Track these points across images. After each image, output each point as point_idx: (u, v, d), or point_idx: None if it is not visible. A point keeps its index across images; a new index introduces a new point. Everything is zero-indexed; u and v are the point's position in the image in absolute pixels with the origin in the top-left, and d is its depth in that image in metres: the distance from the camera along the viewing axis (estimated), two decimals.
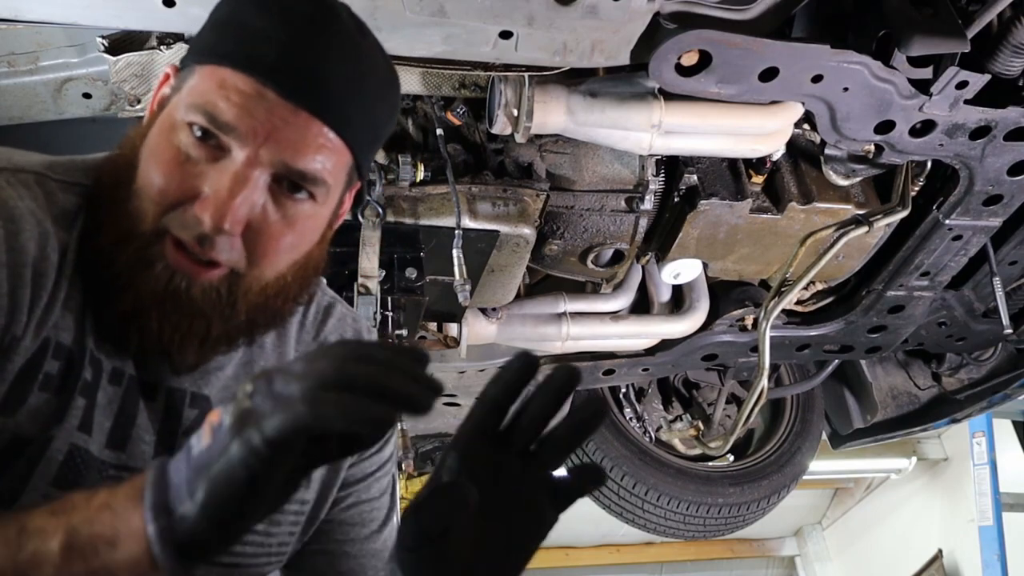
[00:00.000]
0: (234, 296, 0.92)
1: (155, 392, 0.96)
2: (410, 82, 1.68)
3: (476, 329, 2.23)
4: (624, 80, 1.75)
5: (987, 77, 1.67)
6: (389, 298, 1.85)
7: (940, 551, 6.30)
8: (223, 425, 0.69)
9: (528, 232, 1.92)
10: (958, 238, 2.13)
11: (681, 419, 3.20)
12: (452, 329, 2.24)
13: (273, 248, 0.91)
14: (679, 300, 2.43)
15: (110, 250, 0.89)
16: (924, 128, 1.77)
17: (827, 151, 2.02)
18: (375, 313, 1.79)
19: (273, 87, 0.86)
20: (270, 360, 1.06)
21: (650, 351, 2.52)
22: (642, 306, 2.45)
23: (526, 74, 1.64)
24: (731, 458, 3.37)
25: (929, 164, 2.07)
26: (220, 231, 0.85)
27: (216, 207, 0.85)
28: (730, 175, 2.05)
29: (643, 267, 2.37)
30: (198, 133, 0.87)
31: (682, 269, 2.23)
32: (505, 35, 1.44)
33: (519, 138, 1.76)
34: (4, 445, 0.84)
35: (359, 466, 1.15)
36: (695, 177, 2.00)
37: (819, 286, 2.45)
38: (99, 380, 0.91)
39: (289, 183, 0.89)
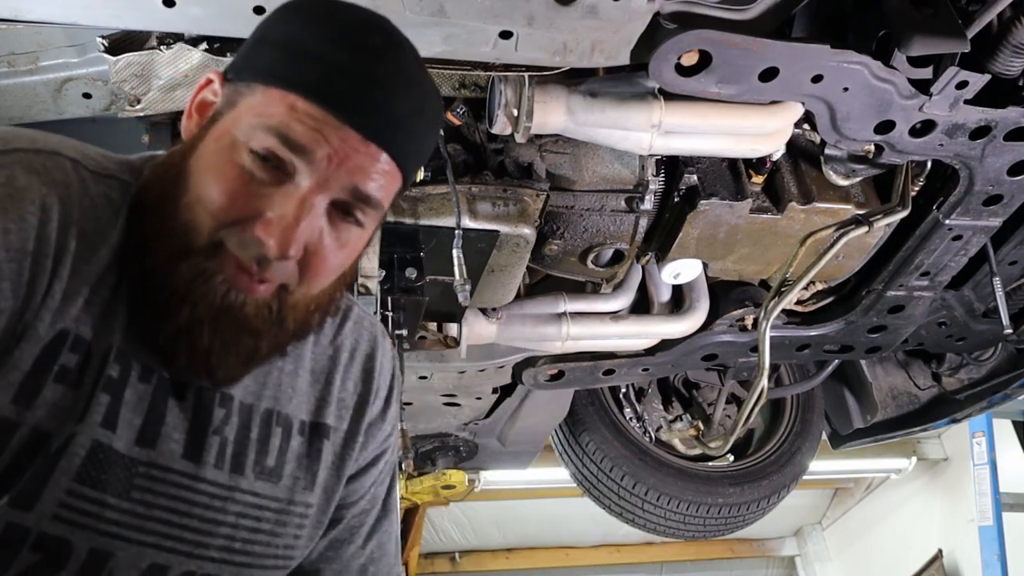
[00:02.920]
0: (283, 313, 0.94)
1: (185, 391, 0.97)
2: None
3: (476, 329, 2.23)
4: (624, 80, 1.75)
5: (987, 77, 1.67)
6: (389, 298, 1.85)
7: (940, 551, 6.30)
8: None
9: (528, 232, 1.92)
10: (958, 238, 2.13)
11: (681, 419, 3.20)
12: (452, 329, 2.24)
13: (324, 269, 0.93)
14: (679, 300, 2.42)
15: (163, 267, 0.90)
16: (924, 128, 1.77)
17: (827, 151, 2.02)
18: (375, 313, 1.79)
19: (348, 120, 0.88)
20: (288, 361, 1.06)
21: (650, 351, 2.52)
22: (642, 306, 2.44)
23: (526, 74, 1.64)
24: (731, 458, 3.37)
25: (929, 164, 2.06)
26: (285, 257, 0.87)
27: (282, 232, 0.86)
28: (730, 175, 2.05)
29: (643, 267, 2.37)
30: (262, 154, 0.87)
31: (682, 269, 2.23)
32: (505, 35, 1.44)
33: (519, 138, 1.76)
34: (24, 440, 0.84)
35: (358, 480, 1.15)
36: (695, 177, 2.00)
37: (819, 286, 2.45)
38: (128, 377, 0.91)
39: (343, 207, 0.91)
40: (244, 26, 1.33)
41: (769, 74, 1.58)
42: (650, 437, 3.21)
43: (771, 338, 2.23)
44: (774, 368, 3.09)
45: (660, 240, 2.15)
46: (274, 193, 0.87)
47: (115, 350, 0.90)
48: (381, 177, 0.91)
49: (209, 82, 0.96)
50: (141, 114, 1.66)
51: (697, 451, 3.25)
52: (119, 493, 0.90)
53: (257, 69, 0.91)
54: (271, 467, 1.02)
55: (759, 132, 1.79)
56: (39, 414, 0.85)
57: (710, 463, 3.29)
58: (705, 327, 2.42)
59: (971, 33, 1.56)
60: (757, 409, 2.38)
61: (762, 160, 2.03)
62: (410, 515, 5.31)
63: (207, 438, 0.97)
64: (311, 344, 1.09)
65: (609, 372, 2.56)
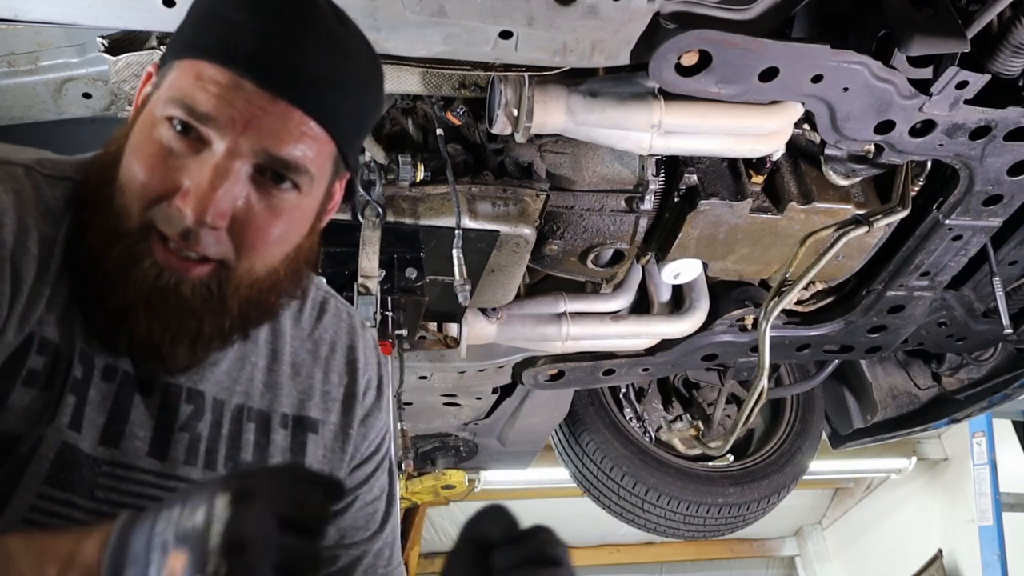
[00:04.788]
0: (224, 291, 0.92)
1: (151, 388, 0.96)
2: (410, 82, 1.68)
3: (476, 329, 2.23)
4: (624, 80, 1.75)
5: (987, 77, 1.67)
6: (389, 298, 1.85)
7: (940, 551, 6.30)
8: None
9: (528, 232, 1.92)
10: (958, 238, 2.13)
11: (681, 419, 3.20)
12: (452, 329, 2.24)
13: (261, 239, 0.91)
14: (679, 300, 2.42)
15: (98, 249, 0.89)
16: (924, 128, 1.77)
17: (827, 151, 2.02)
18: (375, 313, 1.79)
19: (250, 78, 0.85)
20: (263, 356, 1.06)
21: (650, 351, 2.52)
22: (642, 306, 2.44)
23: (526, 74, 1.64)
24: (731, 458, 3.37)
25: (929, 164, 2.06)
26: (203, 224, 0.85)
27: (198, 200, 0.85)
28: (730, 175, 2.05)
29: (643, 267, 2.37)
30: (178, 127, 0.86)
31: (682, 269, 2.23)
32: (505, 35, 1.44)
33: (519, 138, 1.76)
34: None
35: (361, 469, 1.15)
36: (695, 177, 2.00)
37: (819, 286, 2.45)
38: (91, 377, 0.91)
39: (273, 173, 0.88)
40: None
41: (769, 74, 1.58)
42: (650, 437, 3.21)
43: (771, 338, 2.23)
44: (774, 368, 3.09)
45: (660, 240, 2.15)
46: (191, 163, 0.86)
47: (78, 350, 0.90)
48: (299, 139, 0.88)
49: (149, 76, 0.95)
50: None
51: (697, 451, 3.25)
52: (84, 493, 0.90)
53: (176, 47, 0.91)
54: (249, 463, 1.02)
55: (759, 132, 1.79)
56: (9, 419, 0.85)
57: (710, 463, 3.29)
58: (705, 327, 2.42)
59: (971, 33, 1.56)
60: (757, 409, 2.39)
61: (762, 160, 2.03)
62: (410, 515, 5.31)
63: (173, 434, 0.97)
64: (288, 338, 1.09)
65: (609, 372, 2.56)
